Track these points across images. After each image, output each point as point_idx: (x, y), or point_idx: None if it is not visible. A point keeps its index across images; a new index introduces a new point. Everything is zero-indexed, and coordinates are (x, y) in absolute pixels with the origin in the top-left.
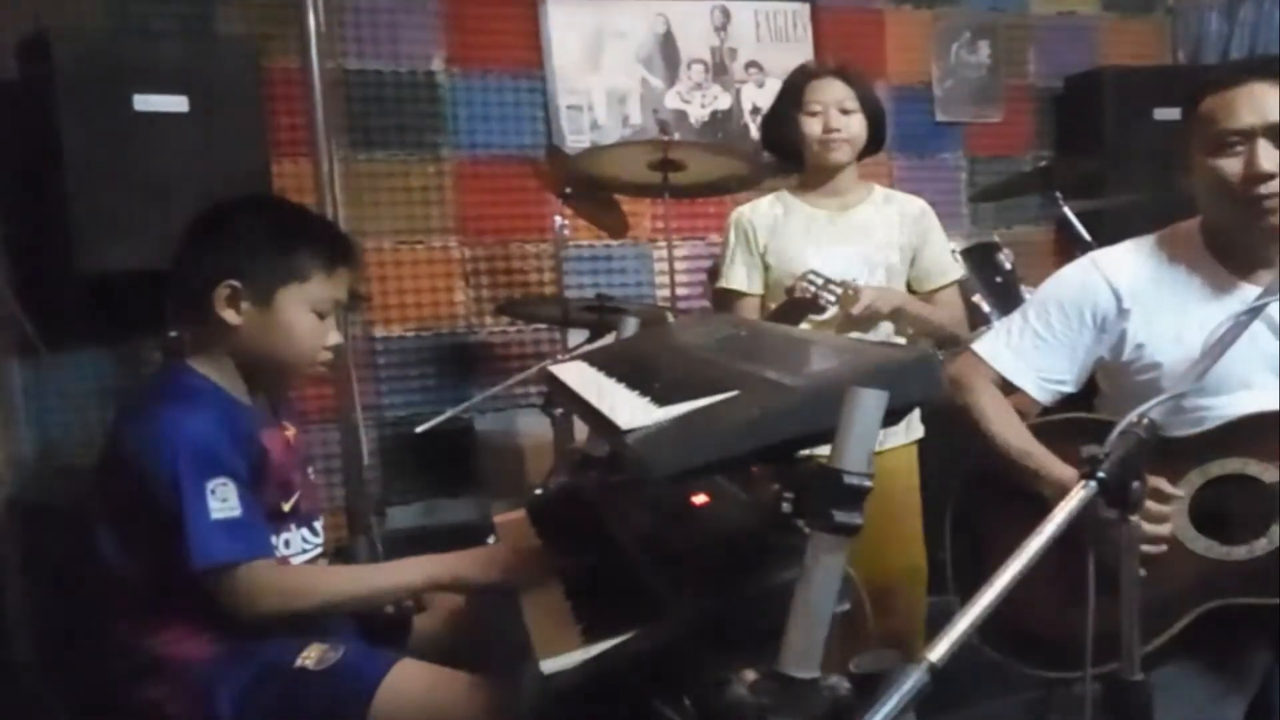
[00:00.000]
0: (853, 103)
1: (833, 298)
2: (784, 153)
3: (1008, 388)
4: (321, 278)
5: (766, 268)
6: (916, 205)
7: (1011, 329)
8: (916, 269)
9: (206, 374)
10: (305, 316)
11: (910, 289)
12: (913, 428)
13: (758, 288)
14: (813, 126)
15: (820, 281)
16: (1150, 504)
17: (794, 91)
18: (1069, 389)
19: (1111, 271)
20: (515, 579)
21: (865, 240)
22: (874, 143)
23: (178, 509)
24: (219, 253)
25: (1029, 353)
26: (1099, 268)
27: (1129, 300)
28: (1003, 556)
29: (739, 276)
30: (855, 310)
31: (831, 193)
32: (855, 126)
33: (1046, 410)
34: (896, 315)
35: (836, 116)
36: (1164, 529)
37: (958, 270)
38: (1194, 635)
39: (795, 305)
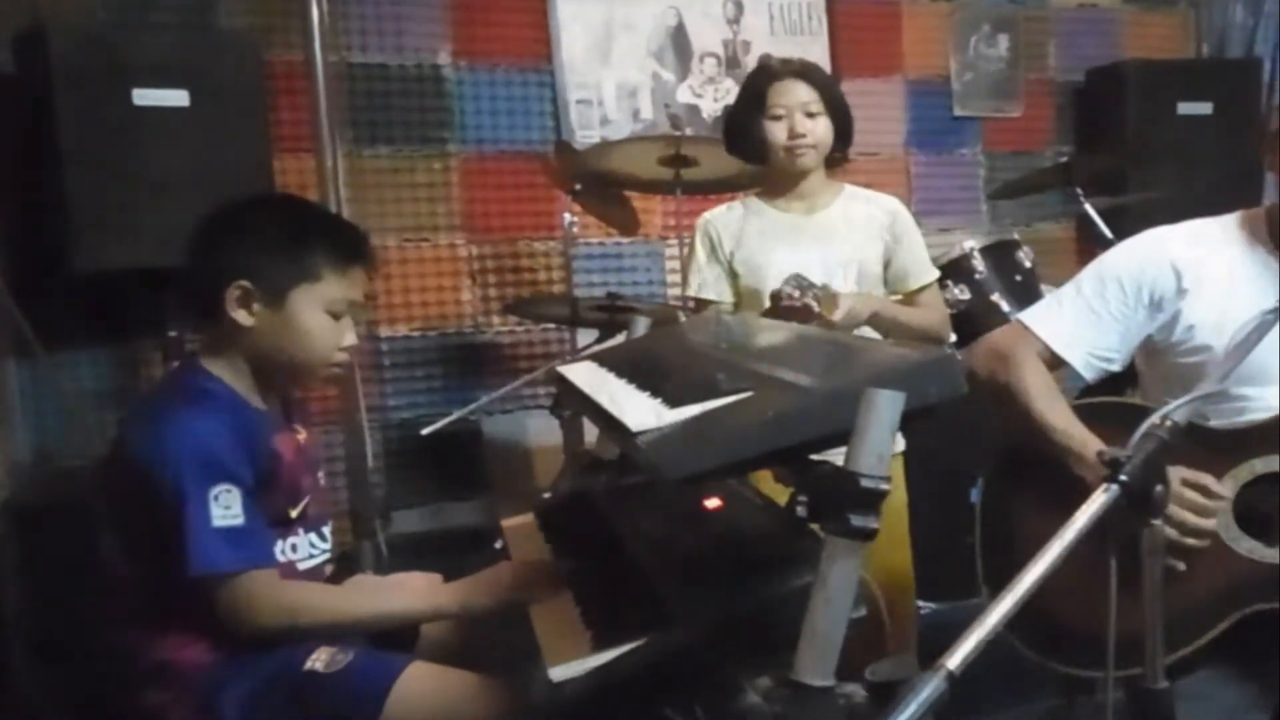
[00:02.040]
0: (817, 105)
1: (815, 304)
2: (748, 156)
3: (1054, 362)
4: (334, 278)
5: (735, 275)
6: (889, 204)
7: (1063, 300)
8: (893, 270)
9: (220, 375)
10: (318, 317)
11: (891, 291)
12: (895, 441)
13: (727, 296)
14: (777, 132)
15: (803, 285)
16: (1195, 496)
17: (755, 94)
18: (1115, 368)
19: (1176, 250)
20: (524, 597)
21: (835, 242)
22: (841, 145)
23: (180, 513)
24: (230, 252)
25: (1081, 326)
26: (1163, 245)
27: (1188, 280)
28: (1035, 544)
29: (707, 285)
30: (836, 317)
31: (799, 196)
32: (821, 130)
33: (1084, 392)
34: (874, 320)
35: (802, 121)
36: (1209, 523)
37: (934, 270)
38: (1231, 640)
39: (782, 316)
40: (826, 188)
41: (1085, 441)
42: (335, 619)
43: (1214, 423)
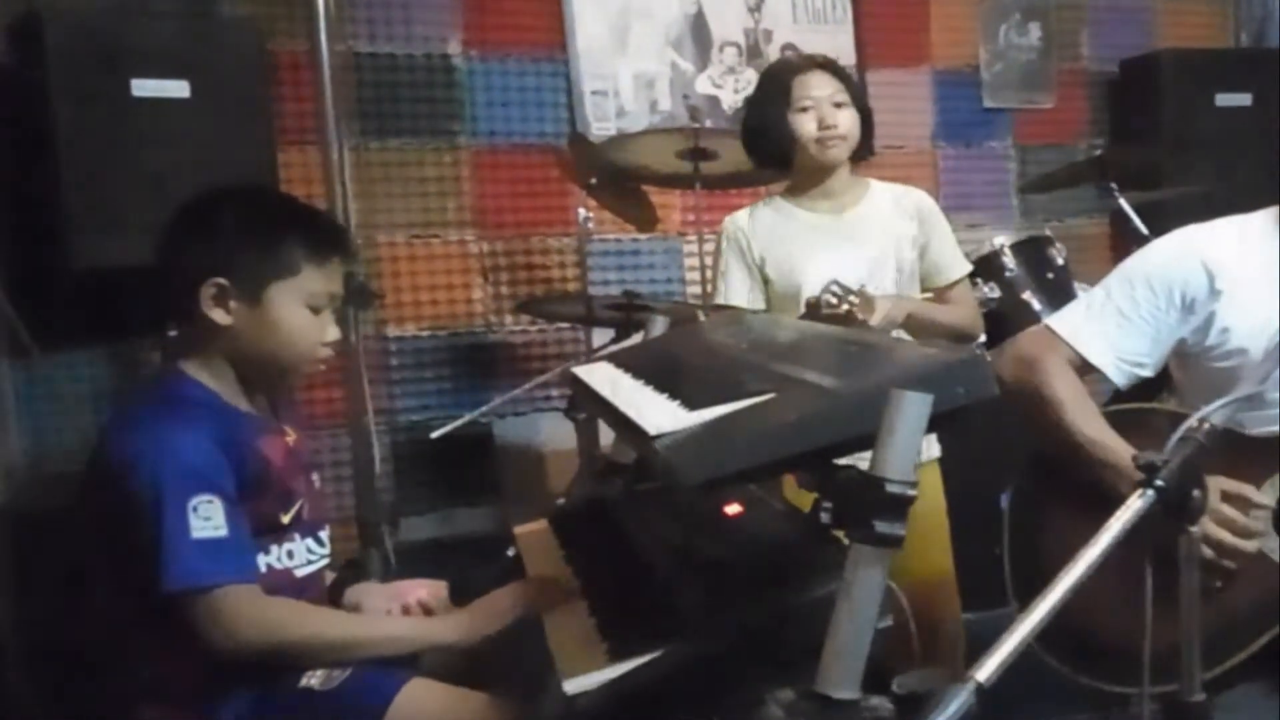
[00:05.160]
0: (842, 95)
1: (856, 309)
2: (771, 157)
3: (1084, 368)
4: (313, 270)
5: (766, 280)
6: (919, 198)
7: (1092, 304)
8: (926, 265)
9: (200, 378)
10: (299, 312)
11: (923, 286)
12: (930, 447)
13: (758, 302)
14: (806, 124)
15: (841, 292)
16: (1231, 512)
17: (778, 89)
18: (1147, 373)
19: (1208, 250)
20: (532, 612)
21: (869, 240)
22: (865, 142)
23: (157, 525)
24: (203, 249)
25: (1110, 331)
26: (1194, 245)
27: (1222, 282)
28: (1066, 556)
29: (736, 291)
30: (873, 321)
31: (827, 194)
32: (849, 122)
33: (1115, 399)
34: (909, 322)
35: (831, 112)
36: (1249, 545)
37: (967, 264)
38: (1270, 653)
39: (817, 320)
40: (853, 184)
41: (1120, 452)
42: (319, 642)
43: (1250, 430)
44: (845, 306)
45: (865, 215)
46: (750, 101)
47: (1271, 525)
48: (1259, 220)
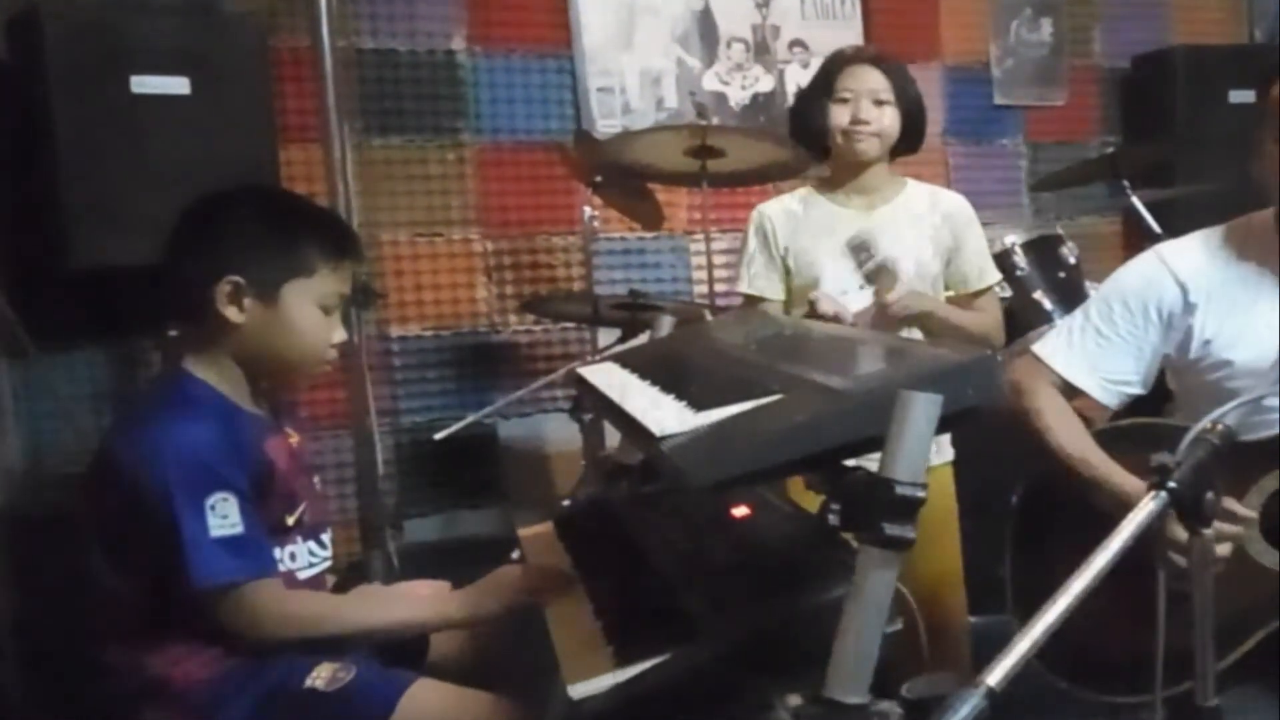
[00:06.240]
0: (888, 94)
1: (867, 282)
2: (810, 142)
3: (1071, 391)
4: (327, 271)
5: (787, 271)
6: (954, 202)
7: (1073, 328)
8: (953, 271)
9: (206, 379)
10: (312, 312)
11: (948, 291)
12: (943, 450)
13: (779, 293)
14: (840, 115)
15: (868, 253)
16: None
17: (826, 77)
18: (1136, 390)
19: (1178, 265)
20: (535, 600)
21: (893, 240)
22: (909, 140)
23: (174, 526)
24: (218, 247)
25: (1091, 353)
26: (1164, 261)
27: (1196, 295)
28: (1066, 571)
29: (758, 281)
30: (890, 298)
31: (859, 190)
32: (887, 120)
33: (1117, 415)
34: (926, 319)
35: (868, 107)
36: (1224, 548)
37: (996, 274)
38: (1264, 655)
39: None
40: (889, 182)
41: (1103, 469)
42: (342, 628)
43: (1241, 437)
44: (866, 269)
45: (894, 215)
46: (802, 89)
47: (1257, 528)
48: (1224, 233)
